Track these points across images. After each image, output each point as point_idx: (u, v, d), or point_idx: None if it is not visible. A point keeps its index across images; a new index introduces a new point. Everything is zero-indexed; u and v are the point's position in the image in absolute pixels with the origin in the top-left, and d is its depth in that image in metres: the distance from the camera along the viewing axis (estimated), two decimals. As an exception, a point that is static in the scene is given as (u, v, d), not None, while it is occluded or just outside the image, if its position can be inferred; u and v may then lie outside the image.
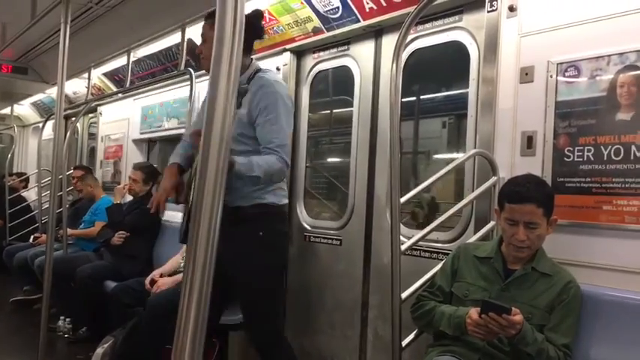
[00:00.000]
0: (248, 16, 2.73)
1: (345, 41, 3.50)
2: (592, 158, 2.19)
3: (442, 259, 2.69)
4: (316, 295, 3.53)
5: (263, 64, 3.49)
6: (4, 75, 6.74)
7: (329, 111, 3.93)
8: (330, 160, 3.94)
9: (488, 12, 2.61)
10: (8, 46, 5.73)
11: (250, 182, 2.43)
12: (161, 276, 3.71)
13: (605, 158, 2.15)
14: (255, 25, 2.55)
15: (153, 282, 3.65)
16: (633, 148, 2.07)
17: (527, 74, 2.43)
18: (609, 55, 2.16)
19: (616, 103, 2.13)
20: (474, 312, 1.93)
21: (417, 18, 2.15)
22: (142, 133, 5.82)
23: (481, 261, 2.16)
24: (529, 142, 2.40)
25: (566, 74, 2.29)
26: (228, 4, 0.69)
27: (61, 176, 4.74)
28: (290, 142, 2.57)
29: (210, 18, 2.65)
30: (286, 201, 2.68)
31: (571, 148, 2.26)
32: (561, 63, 2.31)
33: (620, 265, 2.11)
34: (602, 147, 2.17)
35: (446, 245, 2.80)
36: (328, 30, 3.43)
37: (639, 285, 2.04)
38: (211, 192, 0.69)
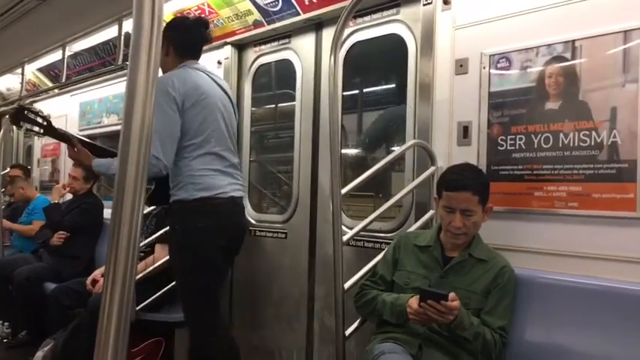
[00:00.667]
0: (192, 22, 2.79)
1: (287, 34, 3.50)
2: (523, 146, 2.27)
3: (384, 249, 2.75)
4: (263, 288, 3.53)
5: (203, 58, 3.44)
6: None
7: (273, 105, 3.92)
8: (275, 154, 3.92)
9: (424, 5, 2.66)
10: None
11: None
12: (102, 276, 3.61)
13: (536, 146, 2.24)
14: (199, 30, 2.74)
15: (94, 282, 3.55)
16: (561, 136, 2.16)
17: (461, 66, 2.49)
18: (538, 47, 2.24)
19: (545, 93, 2.22)
20: (413, 301, 1.98)
21: (353, 11, 2.17)
22: (80, 130, 5.64)
23: (421, 249, 2.21)
24: (465, 132, 2.47)
25: (498, 65, 2.36)
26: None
27: (-2, 176, 4.58)
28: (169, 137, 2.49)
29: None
30: (202, 194, 2.53)
31: (504, 137, 2.34)
32: (493, 55, 2.38)
33: (552, 249, 2.20)
34: (532, 135, 2.25)
35: (388, 235, 2.84)
36: (269, 23, 3.42)
37: (570, 267, 2.14)
38: (132, 189, 0.68)
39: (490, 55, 2.38)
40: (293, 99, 3.49)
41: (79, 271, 4.13)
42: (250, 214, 3.66)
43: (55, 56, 5.22)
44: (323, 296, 3.19)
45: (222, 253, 2.64)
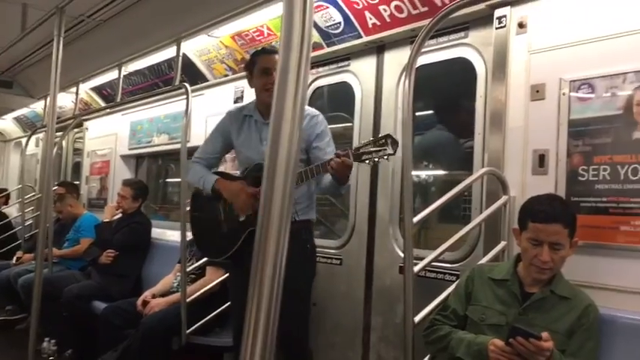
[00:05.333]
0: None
1: (345, 57, 3.45)
2: (608, 177, 2.15)
3: (448, 280, 2.64)
4: (316, 316, 3.43)
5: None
6: (-12, 89, 6.60)
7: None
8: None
9: (497, 28, 2.57)
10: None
11: None
12: (153, 296, 3.59)
13: (622, 178, 2.11)
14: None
15: (145, 303, 3.52)
16: (651, 167, 2.03)
17: (538, 92, 2.39)
18: (625, 73, 2.12)
19: (632, 121, 2.10)
20: (497, 340, 1.87)
21: (430, 32, 2.11)
22: (130, 149, 5.70)
23: (497, 283, 2.09)
24: (541, 160, 2.35)
25: (580, 91, 2.25)
26: (296, 12, 0.61)
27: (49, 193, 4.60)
28: None
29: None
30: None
31: (585, 167, 2.21)
32: (574, 80, 2.27)
33: (638, 288, 2.06)
34: (618, 166, 2.12)
35: (453, 265, 2.73)
36: (328, 45, 3.38)
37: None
38: (278, 214, 0.61)
39: (570, 81, 2.27)
40: (348, 121, 3.43)
41: (127, 290, 4.13)
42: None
43: (108, 76, 5.30)
44: (380, 327, 3.07)
45: None
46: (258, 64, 2.71)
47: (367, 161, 2.35)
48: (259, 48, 3.72)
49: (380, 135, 2.36)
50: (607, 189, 2.15)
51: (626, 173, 2.10)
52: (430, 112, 3.42)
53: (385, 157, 2.31)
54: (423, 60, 2.97)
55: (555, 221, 1.93)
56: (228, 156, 3.50)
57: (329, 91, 3.74)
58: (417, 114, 3.37)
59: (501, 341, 1.84)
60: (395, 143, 2.29)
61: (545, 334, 1.76)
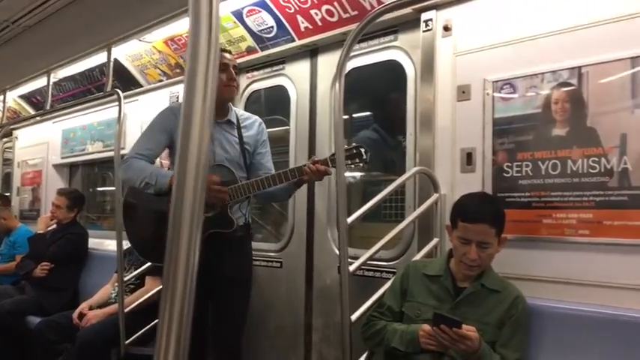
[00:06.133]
0: None
1: (280, 60, 3.47)
2: (530, 173, 2.25)
3: (385, 278, 2.69)
4: (258, 319, 3.43)
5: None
6: None
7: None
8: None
9: (424, 32, 2.65)
10: None
11: None
12: (90, 308, 3.49)
13: (543, 173, 2.21)
14: None
15: (81, 315, 3.43)
16: (569, 162, 2.14)
17: (464, 92, 2.47)
18: (543, 73, 2.23)
19: (551, 119, 2.20)
20: (426, 326, 1.95)
21: (359, 36, 2.13)
22: (63, 158, 5.53)
23: (431, 279, 2.15)
24: (468, 158, 2.44)
25: (502, 92, 2.35)
26: (202, 17, 0.63)
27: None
28: None
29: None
30: None
31: (510, 164, 2.31)
32: (497, 81, 2.37)
33: (562, 277, 2.16)
34: (539, 162, 2.23)
35: (389, 263, 2.79)
36: (262, 49, 3.39)
37: (581, 295, 2.10)
38: (189, 212, 0.62)
39: (493, 82, 2.37)
40: (286, 124, 3.45)
41: (64, 304, 4.00)
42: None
43: (37, 83, 5.12)
44: (321, 327, 3.10)
45: None
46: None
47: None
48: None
49: (355, 145, 2.48)
50: (530, 184, 2.25)
51: (546, 169, 2.20)
52: (367, 113, 3.48)
53: (361, 164, 2.47)
54: (357, 62, 3.05)
55: (483, 221, 2.00)
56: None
57: (265, 95, 3.74)
58: (355, 115, 3.43)
59: (430, 327, 1.92)
60: (367, 152, 2.45)
61: (470, 327, 1.84)
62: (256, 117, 2.91)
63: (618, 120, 2.04)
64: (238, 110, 2.91)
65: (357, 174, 3.36)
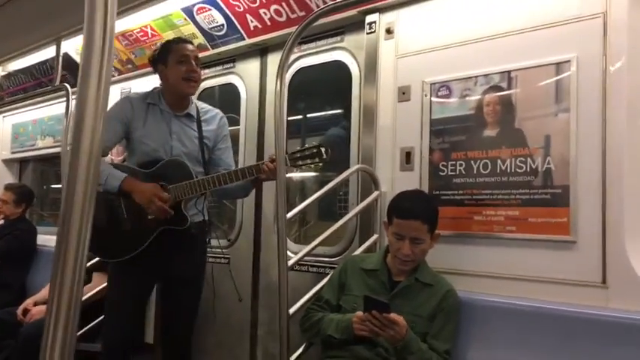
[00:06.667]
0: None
1: (231, 59, 3.50)
2: (464, 172, 2.35)
3: (329, 273, 2.75)
4: (203, 315, 3.45)
5: (145, 81, 3.40)
6: None
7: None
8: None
9: (367, 34, 2.72)
10: None
11: None
12: (35, 304, 3.46)
13: (475, 172, 2.31)
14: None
15: (26, 311, 3.39)
16: (499, 162, 2.25)
17: (404, 93, 2.56)
18: (476, 76, 2.33)
19: (483, 120, 2.30)
20: (359, 313, 2.02)
21: (300, 36, 2.20)
22: (13, 153, 5.43)
23: (368, 273, 2.23)
24: (407, 157, 2.53)
25: (439, 94, 2.44)
26: (97, 16, 0.67)
27: None
28: None
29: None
30: None
31: (445, 163, 2.40)
32: (434, 83, 2.46)
33: (492, 272, 2.26)
34: (472, 161, 2.32)
35: (333, 259, 2.85)
36: (213, 47, 3.42)
37: (508, 289, 2.20)
38: (80, 206, 0.66)
39: (431, 84, 2.46)
40: (237, 123, 3.48)
41: (10, 300, 3.92)
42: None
43: (-14, 75, 5.03)
44: (267, 322, 3.15)
45: None
46: (175, 53, 2.62)
47: (303, 166, 2.47)
48: (143, 48, 3.70)
49: (315, 144, 2.44)
50: (463, 182, 2.35)
51: (478, 168, 2.31)
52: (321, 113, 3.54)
53: (320, 163, 2.43)
54: (307, 62, 3.11)
55: (416, 218, 2.08)
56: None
57: (218, 92, 3.76)
58: (310, 115, 3.49)
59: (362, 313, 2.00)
60: (329, 153, 2.42)
61: (396, 315, 1.94)
62: (218, 111, 2.84)
63: (543, 123, 2.15)
64: (200, 103, 2.83)
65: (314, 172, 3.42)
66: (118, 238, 2.61)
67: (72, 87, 3.65)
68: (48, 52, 4.24)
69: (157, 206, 2.46)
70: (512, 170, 2.21)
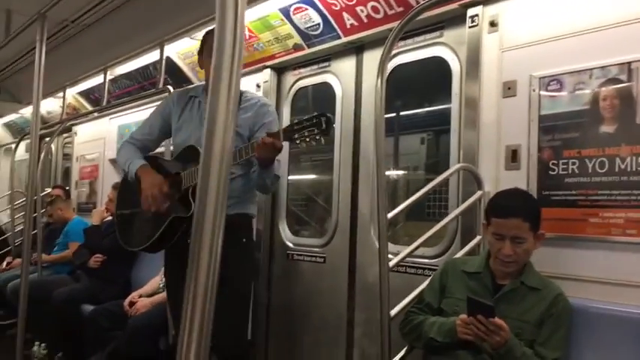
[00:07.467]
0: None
1: (326, 58, 3.50)
2: (577, 171, 2.20)
3: (428, 275, 2.68)
4: (300, 314, 3.48)
5: (243, 81, 3.43)
6: (-25, 96, 6.61)
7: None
8: (312, 177, 3.89)
9: (470, 27, 2.62)
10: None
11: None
12: (140, 297, 3.62)
13: (590, 171, 2.16)
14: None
15: (131, 304, 3.55)
16: (617, 160, 2.08)
17: (509, 88, 2.44)
18: (591, 69, 2.18)
19: (599, 116, 2.15)
20: (463, 315, 1.94)
21: (401, 32, 2.15)
22: (119, 153, 5.72)
23: (470, 276, 2.14)
24: (513, 155, 2.41)
25: (549, 88, 2.30)
26: (228, 15, 0.66)
27: (35, 197, 4.62)
28: None
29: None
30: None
31: (555, 162, 2.27)
32: (543, 77, 2.32)
33: (607, 278, 2.11)
34: (586, 160, 2.17)
35: (432, 261, 2.78)
36: (309, 47, 3.42)
37: (625, 297, 2.04)
38: (213, 206, 0.65)
39: (540, 78, 2.33)
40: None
41: (116, 294, 4.12)
42: (288, 238, 3.63)
43: (95, 80, 5.32)
44: (363, 323, 3.12)
45: None
46: (209, 43, 2.55)
47: (298, 141, 2.15)
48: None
49: (316, 114, 2.13)
50: (576, 182, 2.20)
51: (593, 167, 2.15)
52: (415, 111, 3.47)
53: (318, 137, 2.10)
54: (402, 59, 3.05)
55: (514, 216, 1.97)
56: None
57: (312, 92, 3.78)
58: (403, 113, 3.43)
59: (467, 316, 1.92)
60: (329, 123, 2.09)
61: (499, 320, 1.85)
62: (260, 98, 2.67)
63: (670, 117, 1.97)
64: (248, 93, 2.70)
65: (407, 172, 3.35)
66: (138, 228, 2.63)
67: (174, 89, 3.79)
68: (149, 57, 4.44)
69: (151, 194, 2.41)
70: (633, 169, 2.04)
